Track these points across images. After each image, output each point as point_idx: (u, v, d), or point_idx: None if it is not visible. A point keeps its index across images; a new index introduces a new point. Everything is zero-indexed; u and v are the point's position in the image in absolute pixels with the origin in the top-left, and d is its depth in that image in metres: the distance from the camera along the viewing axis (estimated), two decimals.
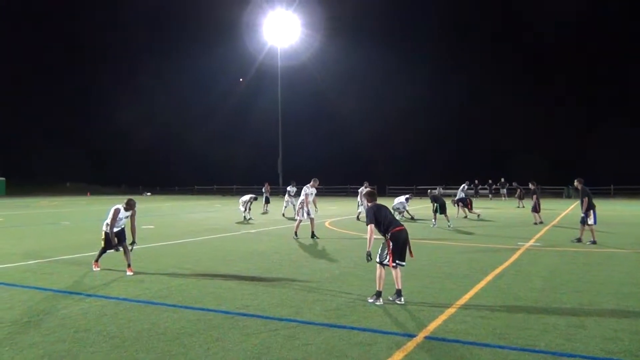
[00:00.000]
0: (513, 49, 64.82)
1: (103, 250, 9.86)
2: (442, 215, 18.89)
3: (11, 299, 7.47)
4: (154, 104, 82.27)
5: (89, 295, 7.74)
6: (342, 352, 5.19)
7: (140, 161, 78.89)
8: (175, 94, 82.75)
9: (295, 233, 15.41)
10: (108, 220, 9.62)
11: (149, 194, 63.12)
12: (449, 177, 53.04)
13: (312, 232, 15.46)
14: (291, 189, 25.25)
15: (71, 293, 7.90)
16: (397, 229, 7.30)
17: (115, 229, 9.64)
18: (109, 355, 5.15)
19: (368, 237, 7.30)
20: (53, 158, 76.06)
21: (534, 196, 19.63)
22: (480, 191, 45.16)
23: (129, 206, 9.74)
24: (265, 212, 26.36)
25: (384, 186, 52.25)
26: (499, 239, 15.09)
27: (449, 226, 18.16)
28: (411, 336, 5.71)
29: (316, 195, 15.91)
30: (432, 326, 6.08)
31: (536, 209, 19.45)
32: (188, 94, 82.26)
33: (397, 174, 56.89)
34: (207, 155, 74.05)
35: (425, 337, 5.68)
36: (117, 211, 9.61)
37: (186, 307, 7.00)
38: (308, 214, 15.48)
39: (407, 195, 22.33)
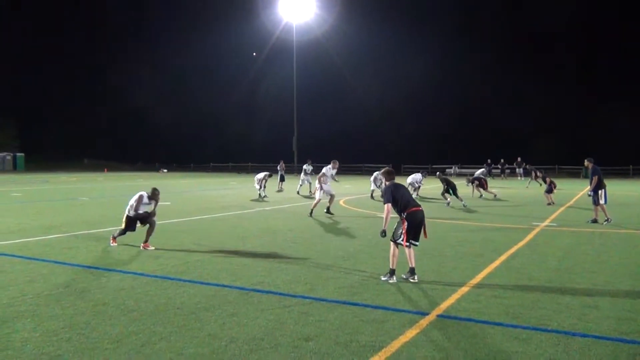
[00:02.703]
0: (529, 25, 63.44)
1: (123, 232, 9.94)
2: (454, 197, 18.93)
3: (32, 273, 7.64)
4: (171, 81, 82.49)
5: (107, 270, 7.89)
6: (355, 329, 5.26)
7: (157, 138, 79.39)
8: (192, 71, 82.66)
9: (311, 212, 15.48)
10: (132, 203, 9.78)
11: (165, 170, 63.61)
12: (463, 156, 52.76)
13: (328, 208, 15.61)
14: (307, 167, 25.35)
15: (90, 267, 8.07)
16: (414, 209, 7.28)
17: (137, 212, 9.78)
18: (127, 327, 5.28)
19: (384, 216, 7.30)
20: (71, 135, 76.90)
21: (547, 179, 19.67)
22: (493, 171, 44.85)
23: (153, 196, 9.95)
24: (280, 190, 26.46)
25: (400, 165, 52.05)
26: (514, 218, 15.02)
27: (463, 205, 18.10)
28: (424, 314, 5.75)
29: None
30: (445, 305, 6.12)
31: (551, 190, 19.39)
32: (205, 72, 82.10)
33: (412, 153, 56.65)
34: (223, 133, 74.28)
35: (438, 316, 5.72)
36: (140, 198, 9.83)
37: (202, 283, 7.12)
38: (328, 192, 15.59)
39: (422, 172, 22.50)
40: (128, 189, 28.93)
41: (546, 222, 13.94)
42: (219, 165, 67.39)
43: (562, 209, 17.77)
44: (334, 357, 4.57)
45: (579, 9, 57.53)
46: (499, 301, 6.28)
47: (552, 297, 6.46)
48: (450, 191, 18.94)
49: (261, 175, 22.24)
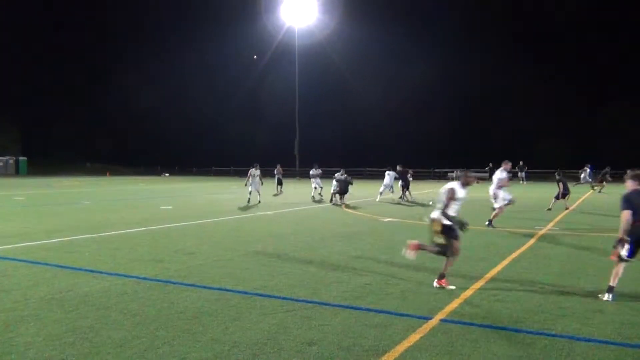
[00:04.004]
0: (532, 27, 63.51)
1: (442, 251, 7.27)
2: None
3: (35, 277, 7.65)
4: (173, 85, 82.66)
5: (110, 274, 7.89)
6: (358, 333, 5.25)
7: (159, 142, 79.53)
8: (194, 75, 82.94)
9: (490, 221, 13.86)
10: (442, 204, 7.28)
11: (167, 174, 63.69)
12: (466, 159, 52.59)
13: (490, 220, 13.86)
14: (313, 171, 25.35)
15: (93, 271, 8.06)
16: None
17: (452, 213, 7.24)
18: (130, 332, 5.28)
19: (622, 224, 6.50)
20: (73, 138, 77.03)
21: (561, 184, 19.23)
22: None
23: (467, 182, 7.46)
24: (277, 194, 26.46)
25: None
26: (517, 222, 14.97)
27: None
28: (427, 319, 5.74)
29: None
30: (448, 309, 6.11)
31: (559, 196, 19.08)
32: (207, 75, 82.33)
33: (414, 155, 56.62)
34: (225, 137, 74.35)
35: (441, 320, 5.71)
36: (452, 192, 7.24)
37: (204, 287, 7.11)
38: (504, 199, 13.89)
39: (390, 172, 23.65)
40: (131, 193, 28.99)
41: (549, 226, 13.92)
42: (221, 169, 67.45)
43: (564, 212, 17.74)
44: None
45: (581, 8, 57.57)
46: (502, 305, 6.27)
47: (555, 302, 6.45)
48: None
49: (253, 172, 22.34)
